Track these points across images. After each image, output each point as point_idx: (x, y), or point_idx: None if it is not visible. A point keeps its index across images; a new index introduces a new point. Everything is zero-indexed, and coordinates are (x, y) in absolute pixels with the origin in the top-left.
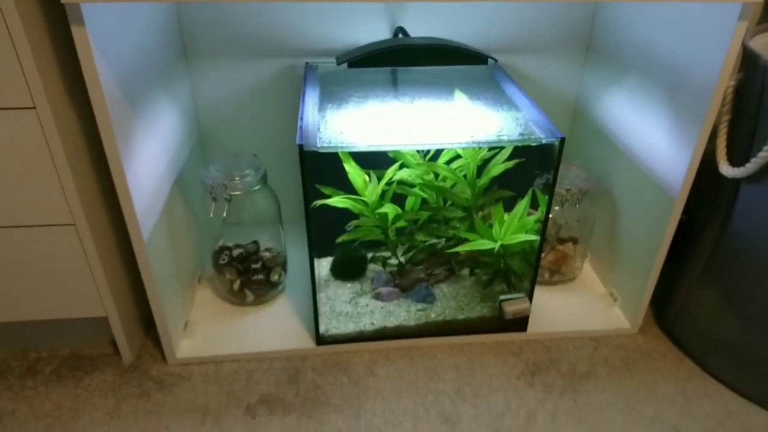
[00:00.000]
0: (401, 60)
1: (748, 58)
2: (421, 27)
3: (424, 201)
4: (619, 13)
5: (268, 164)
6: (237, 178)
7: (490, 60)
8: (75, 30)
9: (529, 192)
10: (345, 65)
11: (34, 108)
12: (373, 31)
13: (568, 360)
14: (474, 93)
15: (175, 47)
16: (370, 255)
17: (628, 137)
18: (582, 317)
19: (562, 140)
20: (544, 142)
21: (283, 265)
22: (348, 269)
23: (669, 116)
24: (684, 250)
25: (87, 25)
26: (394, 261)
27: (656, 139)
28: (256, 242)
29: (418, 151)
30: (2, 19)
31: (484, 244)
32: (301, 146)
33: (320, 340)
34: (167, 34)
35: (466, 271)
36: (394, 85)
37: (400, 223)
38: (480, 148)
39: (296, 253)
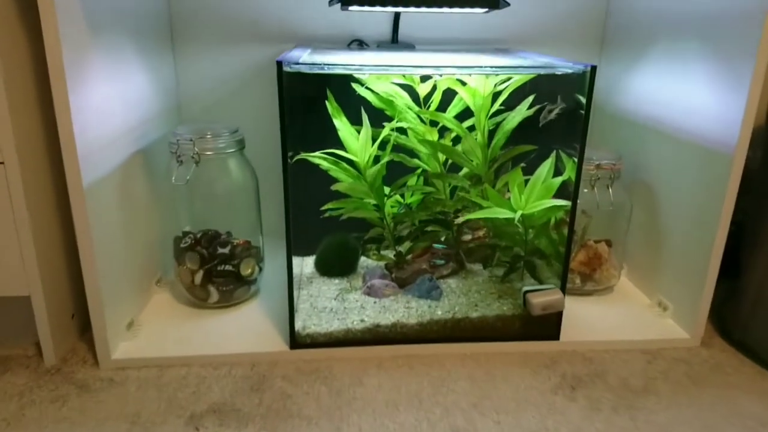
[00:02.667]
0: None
1: None
2: (429, 20)
3: (425, 180)
4: None
5: (252, 162)
6: (208, 135)
7: (502, 4)
8: None
9: (553, 154)
10: (337, 6)
11: None
12: (369, 24)
13: (616, 373)
14: (484, 53)
15: (161, 29)
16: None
17: (663, 113)
18: (627, 327)
19: (593, 69)
20: (572, 70)
21: (258, 260)
22: (335, 263)
23: (710, 69)
24: (743, 249)
25: None
26: (390, 254)
27: (699, 101)
28: (228, 233)
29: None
30: None
31: (501, 212)
32: (279, 63)
33: (295, 341)
34: (154, 15)
35: (477, 266)
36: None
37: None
38: (494, 82)
39: (275, 257)
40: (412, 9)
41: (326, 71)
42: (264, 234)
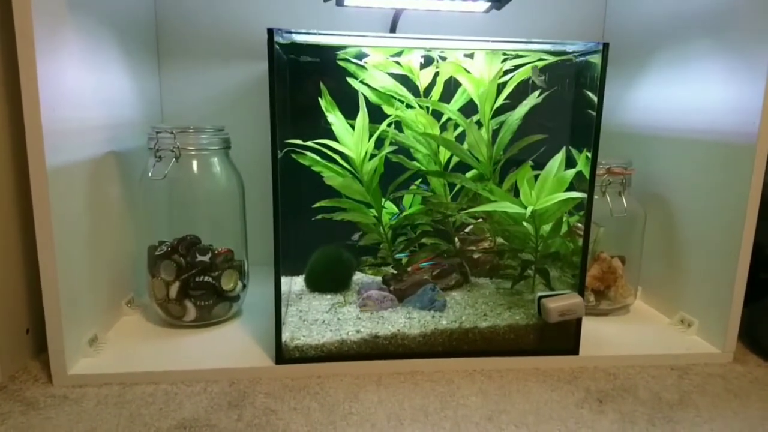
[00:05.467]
0: None
1: None
2: (426, 28)
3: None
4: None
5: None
6: (191, 129)
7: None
8: None
9: (563, 149)
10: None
11: None
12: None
13: (646, 387)
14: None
15: (147, 39)
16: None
17: (674, 119)
18: (651, 342)
19: (606, 46)
20: (583, 49)
21: (241, 275)
22: (327, 277)
23: (724, 64)
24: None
25: None
26: (388, 266)
27: (713, 99)
28: (210, 244)
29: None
30: None
31: (510, 207)
32: (270, 31)
33: (282, 355)
34: (140, 23)
35: (483, 280)
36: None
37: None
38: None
39: (260, 277)
40: (412, 3)
41: (322, 42)
42: (249, 250)
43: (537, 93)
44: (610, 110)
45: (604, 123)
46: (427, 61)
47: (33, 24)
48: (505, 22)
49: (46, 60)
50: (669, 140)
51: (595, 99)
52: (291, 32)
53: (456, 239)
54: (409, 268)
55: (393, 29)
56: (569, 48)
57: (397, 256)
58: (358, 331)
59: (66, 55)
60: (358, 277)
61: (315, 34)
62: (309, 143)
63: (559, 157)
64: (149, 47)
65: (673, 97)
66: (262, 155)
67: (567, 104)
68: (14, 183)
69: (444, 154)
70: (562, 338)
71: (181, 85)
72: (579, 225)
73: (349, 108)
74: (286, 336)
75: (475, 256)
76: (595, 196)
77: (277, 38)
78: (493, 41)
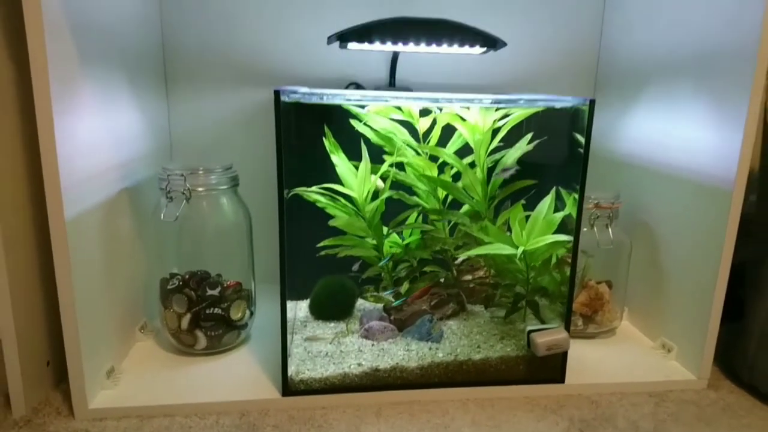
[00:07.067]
0: (401, 35)
1: None
2: (425, 65)
3: (424, 218)
4: (629, 32)
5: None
6: (200, 171)
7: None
8: None
9: (553, 190)
10: (334, 49)
11: None
12: (365, 67)
13: (625, 417)
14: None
15: (155, 68)
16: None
17: (660, 154)
18: (632, 369)
19: (592, 103)
20: (571, 104)
21: (249, 304)
22: (331, 306)
23: (706, 108)
24: (746, 291)
25: None
26: (391, 292)
27: (695, 140)
28: (218, 275)
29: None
30: None
31: (503, 249)
32: (277, 93)
33: (288, 387)
34: (148, 54)
35: (478, 308)
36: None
37: (395, 247)
38: (493, 117)
39: (267, 301)
40: (411, 48)
41: (325, 101)
42: (256, 277)
43: (528, 138)
44: (603, 136)
45: (597, 150)
46: (426, 109)
47: (50, 86)
48: (500, 55)
49: (63, 118)
50: (655, 173)
51: (583, 141)
52: (296, 92)
53: (453, 269)
54: (408, 298)
55: (393, 70)
56: (558, 105)
57: (386, 293)
58: (359, 364)
59: (80, 108)
60: (360, 303)
61: (318, 95)
62: (314, 188)
63: (548, 200)
64: (157, 75)
65: (659, 133)
66: (269, 177)
67: (557, 146)
68: (33, 226)
69: (442, 191)
70: (549, 368)
71: (188, 110)
72: (569, 255)
73: (352, 147)
74: (291, 370)
75: (471, 285)
76: (584, 228)
77: (283, 98)
78: (487, 98)
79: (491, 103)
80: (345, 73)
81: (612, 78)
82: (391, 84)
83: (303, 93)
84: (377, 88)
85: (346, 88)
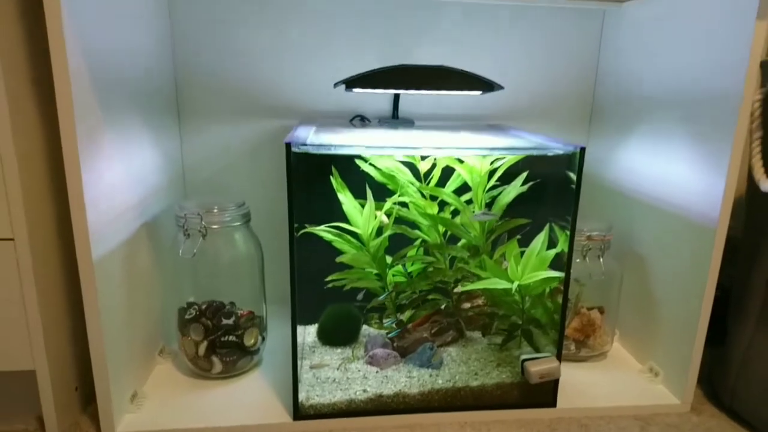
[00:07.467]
0: (402, 82)
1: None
2: (428, 99)
3: (425, 251)
4: (623, 68)
5: (255, 232)
6: (215, 210)
7: (496, 87)
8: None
9: (547, 227)
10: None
11: None
12: (370, 101)
13: None
14: (480, 130)
15: (168, 103)
16: (364, 307)
17: (650, 187)
18: (621, 393)
19: (582, 150)
20: (562, 151)
21: (261, 330)
22: (338, 332)
23: (692, 149)
24: (729, 316)
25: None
26: (391, 322)
27: (682, 177)
28: (232, 303)
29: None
30: None
31: (499, 283)
32: (288, 145)
33: (299, 412)
34: (161, 91)
35: (477, 334)
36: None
37: (398, 275)
38: (490, 161)
39: (277, 326)
40: (412, 91)
41: (333, 152)
42: (267, 302)
43: (523, 177)
44: (599, 162)
45: (592, 176)
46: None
47: (77, 141)
48: (500, 96)
49: (88, 166)
50: (646, 204)
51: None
52: (306, 144)
53: (453, 297)
54: (410, 325)
55: (395, 104)
56: (550, 153)
57: (387, 323)
58: (365, 391)
59: (102, 154)
60: (365, 328)
61: (327, 146)
62: (323, 227)
63: (542, 236)
64: (170, 109)
65: (650, 166)
66: (279, 205)
67: (551, 183)
68: (62, 267)
69: (442, 227)
70: (542, 392)
71: (200, 142)
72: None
73: (358, 184)
74: (302, 396)
75: (470, 313)
76: (576, 259)
77: (294, 149)
78: (484, 148)
79: (489, 151)
80: (350, 106)
81: (607, 109)
82: (395, 116)
83: (312, 144)
84: (381, 120)
85: (351, 120)
